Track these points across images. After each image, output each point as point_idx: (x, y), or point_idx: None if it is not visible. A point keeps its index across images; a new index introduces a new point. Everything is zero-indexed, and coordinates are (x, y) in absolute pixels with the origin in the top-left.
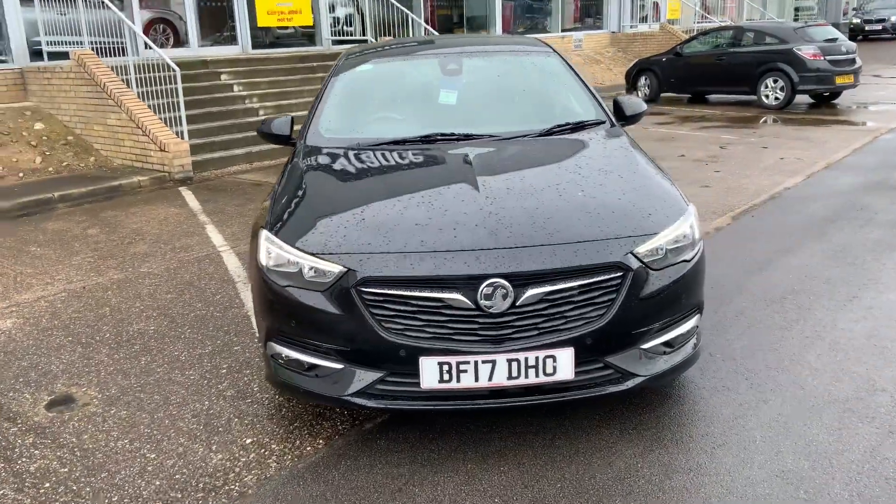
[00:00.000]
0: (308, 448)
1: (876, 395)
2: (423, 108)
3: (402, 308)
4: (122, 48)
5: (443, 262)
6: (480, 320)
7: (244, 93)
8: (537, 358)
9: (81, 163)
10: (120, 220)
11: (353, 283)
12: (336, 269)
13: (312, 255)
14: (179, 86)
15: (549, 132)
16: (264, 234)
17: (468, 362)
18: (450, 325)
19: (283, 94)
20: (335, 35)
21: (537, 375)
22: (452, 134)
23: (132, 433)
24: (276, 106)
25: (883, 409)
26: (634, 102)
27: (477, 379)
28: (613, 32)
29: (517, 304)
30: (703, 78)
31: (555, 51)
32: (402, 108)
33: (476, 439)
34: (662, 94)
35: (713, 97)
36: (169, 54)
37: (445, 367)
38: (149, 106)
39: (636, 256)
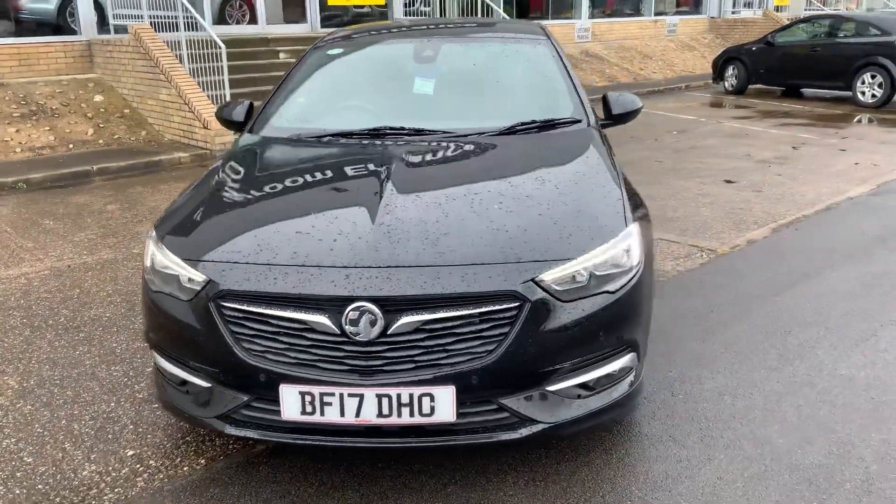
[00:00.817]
0: (185, 468)
1: (848, 466)
2: (385, 99)
3: (262, 328)
4: (191, 23)
5: (309, 278)
6: (347, 348)
7: None
8: (411, 395)
9: (133, 136)
10: (144, 196)
11: (212, 295)
12: (201, 278)
13: (185, 260)
14: (224, 63)
15: (509, 130)
16: (151, 234)
17: (333, 394)
18: (313, 350)
19: None
20: (409, 16)
21: (412, 415)
22: (402, 128)
23: (24, 432)
24: None
25: (849, 484)
26: (626, 100)
27: (343, 414)
28: (713, 18)
29: (388, 332)
30: (795, 70)
31: (550, 39)
32: (362, 97)
33: (364, 475)
34: (751, 86)
35: (808, 92)
36: (237, 31)
37: (308, 398)
38: (199, 83)
39: (539, 285)
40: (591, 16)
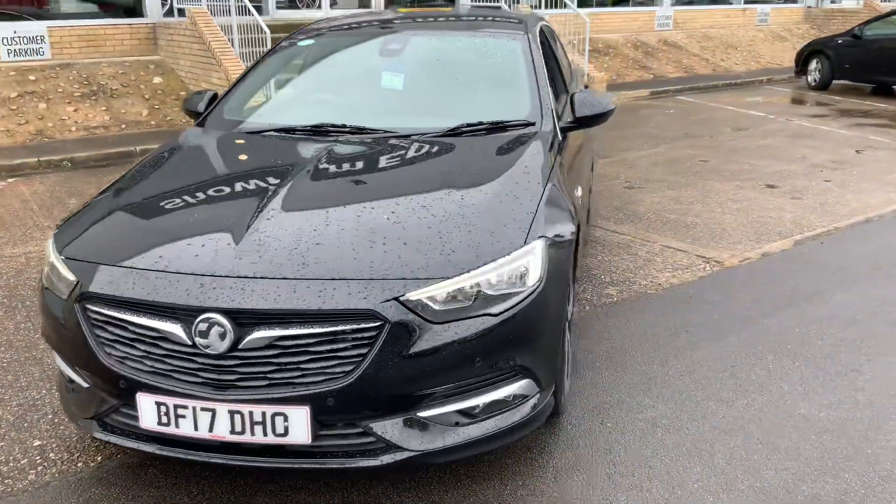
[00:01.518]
0: (80, 464)
1: None
2: (342, 95)
3: (122, 333)
4: (244, 8)
5: (165, 285)
6: (199, 360)
7: None
8: (264, 413)
9: (185, 118)
10: None
11: (77, 296)
12: (71, 277)
13: (62, 257)
14: (267, 49)
15: (453, 132)
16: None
17: (186, 407)
18: (168, 360)
19: None
20: (476, 1)
21: (265, 434)
22: (344, 126)
23: None
24: None
25: None
26: (593, 101)
27: (196, 428)
28: (809, 7)
29: (240, 346)
30: (883, 66)
31: (528, 35)
32: (321, 92)
33: (246, 487)
34: (836, 82)
35: None
36: (299, 16)
37: (163, 409)
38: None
39: (405, 304)
40: (675, 3)
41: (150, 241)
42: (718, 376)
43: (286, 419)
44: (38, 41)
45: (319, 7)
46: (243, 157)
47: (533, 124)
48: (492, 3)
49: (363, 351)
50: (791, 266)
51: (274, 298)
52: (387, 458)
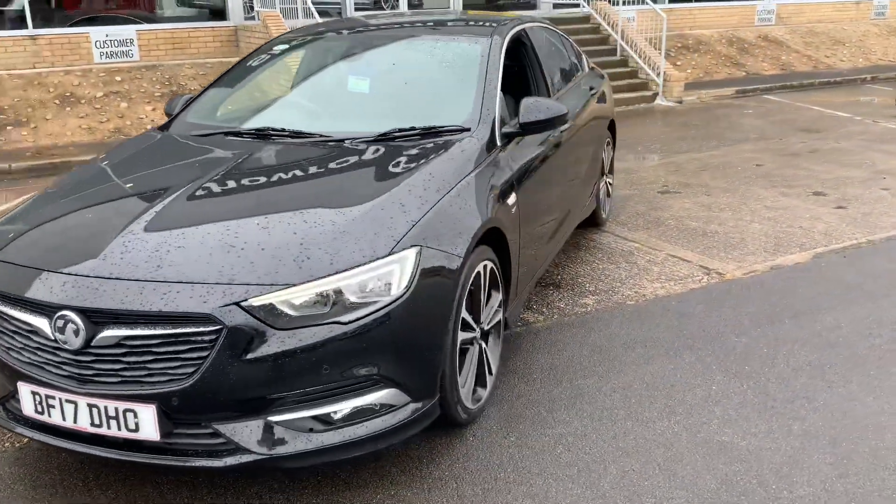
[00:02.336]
0: (7, 444)
1: None
2: (297, 99)
3: (5, 325)
4: (308, 11)
5: (35, 281)
6: (63, 354)
7: None
8: (117, 409)
9: None
10: None
11: None
12: None
13: None
14: None
15: (383, 136)
16: None
17: (54, 398)
18: (39, 353)
19: None
20: None
21: (119, 429)
22: (283, 130)
23: None
24: None
25: None
26: (539, 106)
27: (64, 418)
28: None
29: (93, 344)
30: None
31: (492, 40)
32: (278, 96)
33: (128, 475)
34: None
35: None
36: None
37: (37, 399)
38: None
39: (247, 310)
40: None
41: (40, 238)
42: (652, 395)
43: (136, 416)
44: (128, 44)
45: (398, 8)
46: (167, 160)
47: (467, 130)
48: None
49: (203, 354)
50: (796, 281)
51: (121, 299)
52: (231, 460)
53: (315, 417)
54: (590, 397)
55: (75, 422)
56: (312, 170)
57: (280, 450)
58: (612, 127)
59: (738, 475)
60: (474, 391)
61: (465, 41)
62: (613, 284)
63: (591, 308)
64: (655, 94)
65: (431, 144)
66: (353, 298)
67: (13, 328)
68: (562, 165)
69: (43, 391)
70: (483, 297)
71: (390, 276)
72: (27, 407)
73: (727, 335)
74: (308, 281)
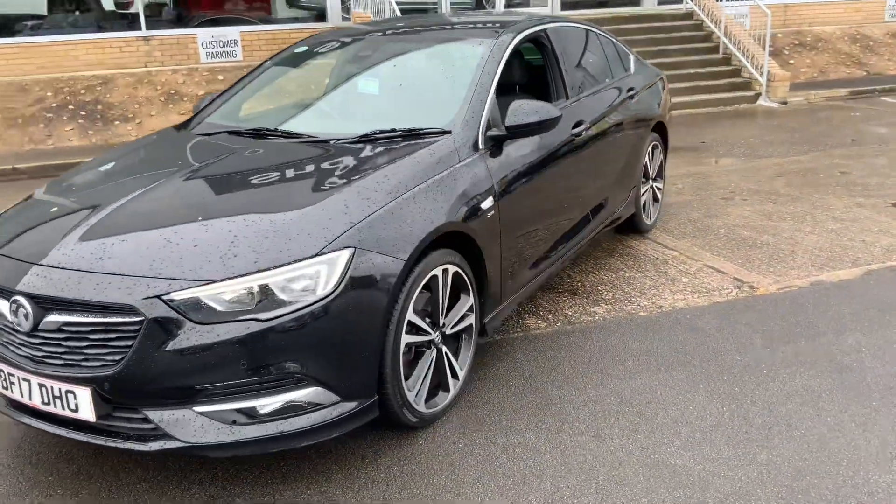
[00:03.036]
0: None
1: None
2: (302, 99)
3: None
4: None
5: (2, 268)
6: (20, 336)
7: None
8: (60, 389)
9: None
10: None
11: None
12: None
13: None
14: None
15: (364, 138)
16: None
17: (14, 375)
18: (3, 333)
19: None
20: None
21: (63, 408)
22: (276, 130)
23: None
24: None
25: None
26: (526, 109)
27: (21, 395)
28: None
29: (40, 327)
30: None
31: (497, 42)
32: (286, 97)
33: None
34: None
35: None
36: None
37: (2, 375)
38: None
39: (168, 303)
40: None
41: (17, 232)
42: (622, 411)
43: (75, 397)
44: (232, 45)
45: (493, 7)
46: (156, 157)
47: (448, 132)
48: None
49: (129, 343)
50: (833, 298)
51: (62, 287)
52: (155, 446)
53: (239, 410)
54: (557, 409)
55: (30, 398)
56: (278, 170)
57: (203, 439)
58: (660, 130)
59: (675, 502)
60: (435, 394)
61: (469, 44)
62: (632, 294)
63: (600, 317)
64: (758, 95)
65: (405, 146)
66: (283, 296)
67: None
68: (573, 170)
69: (7, 369)
70: (442, 301)
71: (317, 276)
72: None
73: (730, 353)
74: (229, 278)
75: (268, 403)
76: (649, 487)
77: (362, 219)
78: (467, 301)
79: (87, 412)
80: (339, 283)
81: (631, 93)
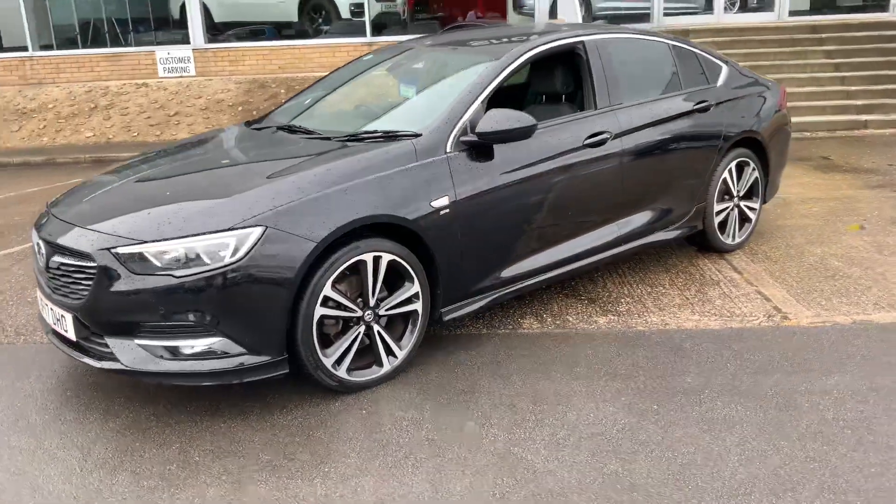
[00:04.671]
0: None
1: None
2: (337, 101)
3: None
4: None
5: (48, 216)
6: (45, 272)
7: None
8: (60, 314)
9: None
10: None
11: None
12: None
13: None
14: None
15: (352, 136)
16: None
17: (45, 301)
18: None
19: (755, 68)
20: None
21: (62, 329)
22: (301, 127)
23: None
24: None
25: None
26: (495, 119)
27: (46, 316)
28: None
29: (49, 265)
30: None
31: (510, 52)
32: (329, 98)
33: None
34: None
35: None
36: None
37: (41, 303)
38: None
39: (114, 255)
40: None
41: (73, 195)
42: (525, 409)
43: (65, 320)
44: None
45: (712, 12)
46: (205, 143)
47: (418, 135)
48: None
49: (90, 283)
50: (861, 339)
51: (59, 236)
52: (105, 364)
53: (166, 347)
54: (471, 396)
55: (49, 319)
56: (259, 158)
57: (137, 366)
58: (754, 145)
59: (496, 486)
60: (369, 367)
61: (481, 57)
62: (649, 309)
63: (596, 327)
64: None
65: (370, 145)
66: (202, 260)
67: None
68: (583, 179)
69: (41, 296)
70: (370, 284)
71: (226, 247)
72: (40, 307)
73: (681, 376)
74: (158, 240)
75: (188, 345)
76: (483, 470)
77: (283, 204)
78: (411, 289)
79: (71, 333)
80: (245, 255)
81: (701, 105)
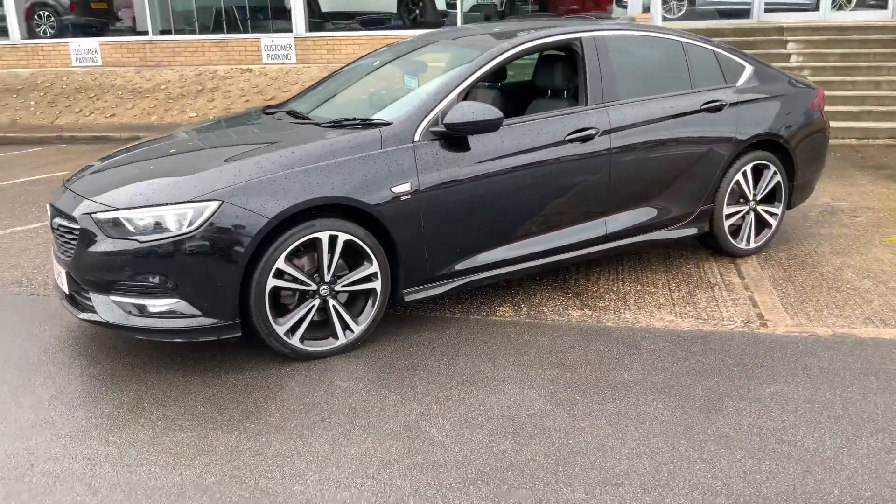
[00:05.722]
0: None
1: None
2: (342, 90)
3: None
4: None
5: (62, 186)
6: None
7: (798, 64)
8: (60, 271)
9: None
10: None
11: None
12: None
13: None
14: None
15: (336, 122)
16: None
17: (55, 262)
18: None
19: (850, 69)
20: None
21: (62, 284)
22: (296, 112)
23: None
24: (829, 82)
25: None
26: (462, 109)
27: (55, 275)
28: None
29: (53, 226)
30: None
31: (496, 46)
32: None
33: None
34: None
35: None
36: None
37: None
38: None
39: (93, 219)
40: None
41: (83, 171)
42: (452, 386)
43: (62, 276)
44: None
45: (818, 10)
46: (221, 126)
47: (388, 124)
48: None
49: (75, 243)
50: (828, 352)
51: (60, 201)
52: (84, 315)
53: (134, 305)
54: (410, 374)
55: (55, 275)
56: (242, 140)
57: (111, 319)
58: (778, 149)
59: (387, 453)
60: (326, 339)
61: (470, 50)
62: (628, 307)
63: (566, 320)
64: None
65: (345, 131)
66: (165, 227)
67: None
68: (561, 173)
69: (54, 260)
70: (326, 261)
71: (184, 218)
72: (55, 273)
73: (617, 371)
74: (127, 208)
75: (153, 305)
76: (383, 439)
77: (242, 182)
78: (369, 268)
79: (65, 287)
80: (200, 226)
81: (710, 105)
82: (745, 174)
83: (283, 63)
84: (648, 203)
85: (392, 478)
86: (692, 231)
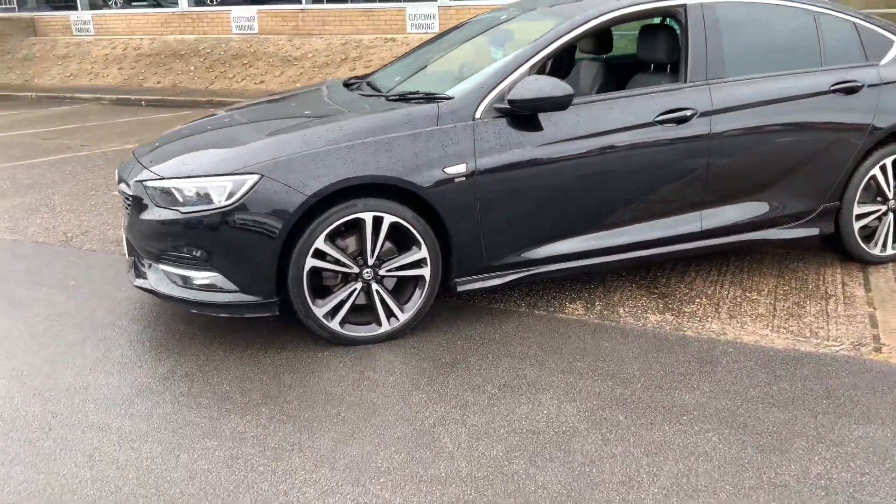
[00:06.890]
0: None
1: None
2: (425, 63)
3: None
4: None
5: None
6: None
7: None
8: (123, 236)
9: None
10: None
11: None
12: None
13: None
14: None
15: (400, 95)
16: None
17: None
18: None
19: None
20: None
21: (125, 250)
22: (375, 84)
23: None
24: None
25: None
26: (530, 88)
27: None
28: None
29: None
30: None
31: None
32: (417, 61)
33: None
34: None
35: None
36: None
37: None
38: None
39: (144, 187)
40: None
41: (149, 143)
42: (476, 403)
43: (124, 242)
44: None
45: None
46: (297, 98)
47: (449, 98)
48: None
49: (129, 210)
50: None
51: (124, 169)
52: (138, 282)
53: (180, 276)
54: (443, 370)
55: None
56: (307, 111)
57: (159, 288)
58: None
59: (398, 466)
60: (369, 325)
61: (545, 22)
62: (718, 315)
63: (643, 324)
64: None
65: (399, 106)
66: (212, 199)
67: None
68: (647, 157)
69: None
70: (370, 244)
71: (224, 190)
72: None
73: (686, 396)
74: (174, 177)
75: (197, 277)
76: (392, 442)
77: (285, 155)
78: (417, 253)
79: (126, 252)
80: (239, 199)
81: (843, 86)
82: (883, 169)
83: (425, 32)
84: (757, 197)
85: (383, 489)
86: (812, 231)
